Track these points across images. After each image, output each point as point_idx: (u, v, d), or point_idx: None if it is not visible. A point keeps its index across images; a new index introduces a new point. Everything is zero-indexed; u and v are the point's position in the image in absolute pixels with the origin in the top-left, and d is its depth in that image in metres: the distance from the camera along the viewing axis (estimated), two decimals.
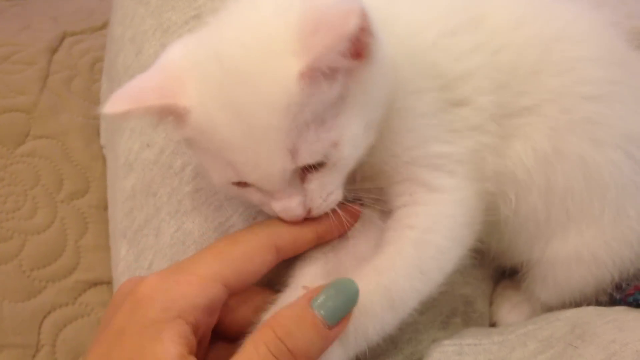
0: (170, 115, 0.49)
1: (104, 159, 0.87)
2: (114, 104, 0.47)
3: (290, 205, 0.49)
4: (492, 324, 0.69)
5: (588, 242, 0.58)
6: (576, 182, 0.57)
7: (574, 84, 0.56)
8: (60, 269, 0.79)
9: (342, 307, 0.47)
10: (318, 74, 0.44)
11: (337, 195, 0.51)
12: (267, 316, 0.50)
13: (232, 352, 0.44)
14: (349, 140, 0.47)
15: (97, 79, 0.98)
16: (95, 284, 0.79)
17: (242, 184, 0.49)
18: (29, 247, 0.79)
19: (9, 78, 0.95)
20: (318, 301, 0.46)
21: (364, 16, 0.42)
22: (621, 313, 0.55)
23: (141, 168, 0.65)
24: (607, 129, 0.57)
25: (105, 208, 0.81)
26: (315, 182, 0.49)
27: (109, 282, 0.80)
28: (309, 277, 0.54)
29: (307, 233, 0.53)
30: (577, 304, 0.62)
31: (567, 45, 0.57)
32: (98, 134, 0.91)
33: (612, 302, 0.62)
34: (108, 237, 0.77)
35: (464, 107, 0.54)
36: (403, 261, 0.51)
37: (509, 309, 0.68)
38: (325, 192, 0.50)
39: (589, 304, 0.61)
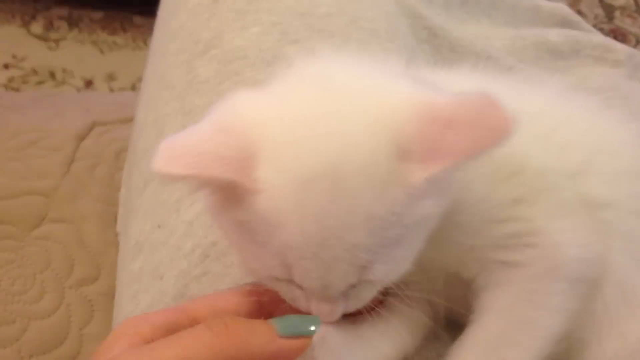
0: (225, 190, 0.41)
1: (117, 247, 0.86)
2: (170, 164, 0.39)
3: (331, 312, 0.44)
4: None
5: (625, 347, 0.53)
6: (614, 306, 0.53)
7: (622, 196, 0.53)
8: (60, 358, 0.75)
9: (296, 323, 0.43)
10: (432, 183, 0.39)
11: (374, 295, 0.46)
12: None
13: None
14: (411, 258, 0.44)
15: (121, 167, 0.98)
16: None
17: (282, 279, 0.44)
18: (31, 332, 0.76)
19: (33, 162, 0.95)
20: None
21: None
22: None
23: (149, 250, 0.63)
24: None
25: (114, 296, 0.78)
26: (362, 289, 0.44)
27: None
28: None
29: None
30: None
31: (606, 158, 0.54)
32: (115, 220, 0.89)
33: None
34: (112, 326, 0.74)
35: (522, 174, 0.49)
36: None
37: None
38: (368, 298, 0.45)
39: None
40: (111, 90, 1.88)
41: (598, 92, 0.62)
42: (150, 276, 0.61)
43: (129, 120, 1.13)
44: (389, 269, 0.43)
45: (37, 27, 1.98)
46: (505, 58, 0.84)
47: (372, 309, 0.48)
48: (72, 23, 2.00)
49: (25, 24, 1.99)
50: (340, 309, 0.44)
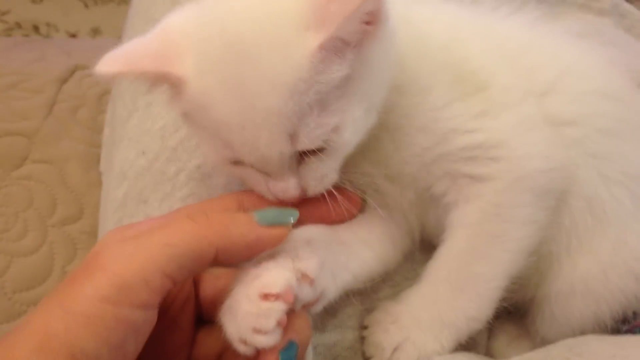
0: (164, 83, 0.46)
1: (100, 187, 0.84)
2: (105, 64, 0.45)
3: (286, 186, 0.46)
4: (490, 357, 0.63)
5: (581, 275, 0.55)
6: (582, 219, 0.55)
7: (589, 115, 0.55)
8: (43, 294, 0.74)
9: (274, 214, 0.45)
10: (331, 49, 0.42)
11: (331, 177, 0.48)
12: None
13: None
14: (350, 125, 0.45)
15: (104, 110, 0.96)
16: None
17: (239, 163, 0.47)
18: (14, 269, 0.75)
19: (15, 104, 0.93)
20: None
21: None
22: (623, 337, 0.52)
23: (134, 176, 0.62)
24: (611, 165, 0.55)
25: (97, 235, 0.77)
26: (311, 165, 0.46)
27: None
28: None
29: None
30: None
31: (574, 79, 0.56)
32: (98, 162, 0.87)
33: (618, 333, 0.57)
34: None
35: (487, 90, 0.51)
36: None
37: (508, 342, 0.63)
38: (320, 174, 0.47)
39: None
40: None
41: (582, 37, 0.62)
42: (135, 201, 0.60)
43: None
44: (320, 135, 0.44)
45: None
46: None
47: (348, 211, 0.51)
48: None
49: None
50: (294, 184, 0.46)
